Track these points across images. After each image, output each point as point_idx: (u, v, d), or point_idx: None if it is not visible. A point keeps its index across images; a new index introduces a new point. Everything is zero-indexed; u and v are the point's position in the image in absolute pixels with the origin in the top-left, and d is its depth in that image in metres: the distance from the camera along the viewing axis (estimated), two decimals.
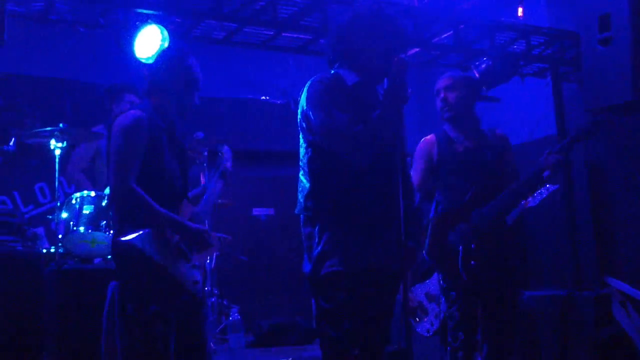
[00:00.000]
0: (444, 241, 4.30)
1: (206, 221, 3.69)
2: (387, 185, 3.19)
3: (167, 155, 3.48)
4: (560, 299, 5.83)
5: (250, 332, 6.49)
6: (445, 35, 6.78)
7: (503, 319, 4.33)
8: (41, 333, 4.80)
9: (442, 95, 4.47)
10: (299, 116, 3.35)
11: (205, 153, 6.65)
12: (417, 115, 8.10)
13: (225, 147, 4.11)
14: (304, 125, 3.30)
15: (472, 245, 4.24)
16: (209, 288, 6.42)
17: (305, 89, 3.33)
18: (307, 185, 3.29)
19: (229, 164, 4.06)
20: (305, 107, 3.28)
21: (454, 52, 7.08)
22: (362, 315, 3.22)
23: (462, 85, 4.48)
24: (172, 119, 3.63)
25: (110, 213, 3.56)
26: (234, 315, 6.09)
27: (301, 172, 3.37)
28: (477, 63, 6.99)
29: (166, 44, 5.60)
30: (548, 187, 5.21)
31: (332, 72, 3.45)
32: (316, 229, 3.26)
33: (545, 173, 4.31)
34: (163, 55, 3.77)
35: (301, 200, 3.33)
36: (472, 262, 4.22)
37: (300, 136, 3.39)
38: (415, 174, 4.51)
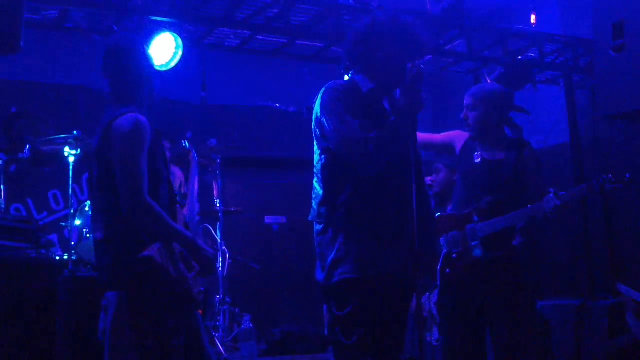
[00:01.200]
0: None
1: (195, 220, 3.63)
2: (401, 193, 3.19)
3: (162, 160, 3.39)
4: (574, 308, 5.81)
5: (263, 340, 6.48)
6: (458, 42, 6.78)
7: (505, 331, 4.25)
8: (54, 340, 4.80)
9: (464, 112, 4.40)
10: (313, 123, 3.35)
11: (218, 160, 6.68)
12: (430, 121, 8.10)
13: (185, 143, 4.02)
14: (318, 132, 3.30)
15: (454, 255, 4.22)
16: (221, 296, 6.43)
17: (319, 96, 3.32)
18: (321, 192, 3.29)
19: (194, 158, 3.96)
20: (319, 114, 3.27)
21: (467, 60, 7.08)
22: (375, 323, 3.20)
23: (482, 104, 4.34)
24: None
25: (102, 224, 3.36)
26: (246, 324, 6.08)
27: (315, 179, 3.36)
28: (489, 70, 6.99)
29: (180, 52, 5.62)
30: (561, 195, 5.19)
31: (347, 78, 3.44)
32: (329, 236, 3.25)
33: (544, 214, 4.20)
34: (144, 55, 3.56)
35: (315, 207, 3.32)
36: (447, 269, 4.20)
37: (315, 143, 3.38)
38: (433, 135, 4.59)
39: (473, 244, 4.20)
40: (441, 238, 4.26)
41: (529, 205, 4.17)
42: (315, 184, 3.34)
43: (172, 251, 3.24)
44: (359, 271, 3.16)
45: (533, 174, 4.33)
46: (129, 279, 3.26)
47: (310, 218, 3.37)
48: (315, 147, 3.38)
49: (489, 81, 6.96)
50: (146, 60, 3.51)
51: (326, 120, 3.22)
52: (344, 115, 3.19)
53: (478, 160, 4.35)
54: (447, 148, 4.57)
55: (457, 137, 4.53)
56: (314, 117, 3.33)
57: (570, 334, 5.77)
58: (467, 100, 4.42)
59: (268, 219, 8.14)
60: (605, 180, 4.26)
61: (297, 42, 6.48)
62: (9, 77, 7.13)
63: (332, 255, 3.22)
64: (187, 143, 4.04)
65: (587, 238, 6.71)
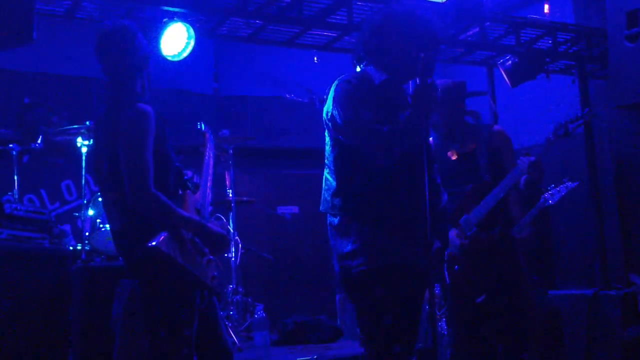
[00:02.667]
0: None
1: (208, 210, 3.62)
2: (414, 184, 3.16)
3: (170, 147, 3.38)
4: (587, 298, 5.79)
5: (275, 330, 6.50)
6: (471, 32, 6.75)
7: (507, 318, 4.32)
8: (67, 329, 4.83)
9: None
10: (325, 114, 3.34)
11: (231, 151, 6.69)
12: None
13: (206, 129, 4.03)
14: (330, 123, 3.29)
15: (457, 250, 4.26)
16: (234, 286, 6.44)
17: (332, 88, 3.32)
18: (334, 183, 3.28)
19: (212, 145, 3.97)
20: (332, 106, 3.27)
21: (479, 49, 7.05)
22: (398, 311, 3.19)
23: (442, 102, 4.33)
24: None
25: (114, 213, 3.36)
26: (259, 313, 6.09)
27: (327, 171, 3.36)
28: (502, 60, 6.96)
29: (192, 43, 5.62)
30: (567, 185, 5.19)
31: (360, 70, 3.44)
32: (343, 228, 3.24)
33: (523, 177, 4.30)
34: (141, 44, 3.49)
35: (327, 198, 3.31)
36: (456, 266, 4.23)
37: (326, 134, 3.38)
38: None
39: (469, 233, 4.27)
40: (463, 247, 4.27)
41: (509, 173, 4.25)
42: (328, 175, 3.34)
43: (181, 238, 3.24)
44: (375, 262, 3.16)
45: (505, 152, 4.44)
46: (142, 269, 3.28)
47: (322, 209, 3.36)
48: (327, 139, 3.37)
49: (502, 71, 6.94)
50: (141, 47, 3.45)
51: (339, 112, 3.21)
52: (357, 108, 3.19)
53: (454, 158, 4.44)
54: None
55: None
56: (326, 109, 3.33)
57: (582, 324, 5.76)
58: None
59: (280, 209, 8.14)
60: (567, 122, 4.32)
61: (309, 32, 6.46)
62: (22, 68, 7.16)
63: (349, 247, 3.21)
64: (202, 125, 4.04)
65: (601, 228, 6.68)
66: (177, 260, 3.18)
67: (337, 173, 3.28)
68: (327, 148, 3.37)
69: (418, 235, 3.16)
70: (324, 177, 3.37)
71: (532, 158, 4.23)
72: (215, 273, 3.44)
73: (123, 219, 3.31)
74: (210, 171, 3.77)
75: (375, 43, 3.37)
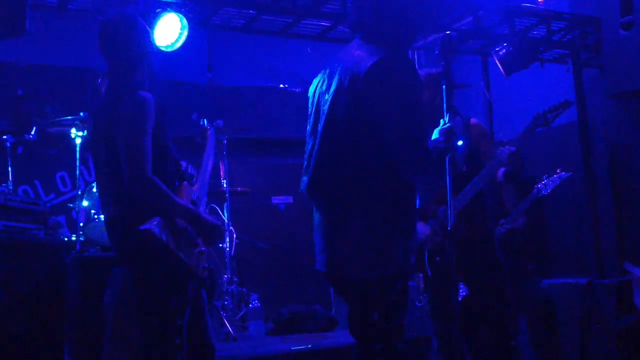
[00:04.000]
0: None
1: (204, 203, 3.65)
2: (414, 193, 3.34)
3: (168, 136, 3.41)
4: (581, 287, 5.80)
5: (270, 319, 6.51)
6: (465, 21, 6.74)
7: (490, 308, 4.38)
8: (62, 320, 4.84)
9: None
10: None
11: (225, 141, 6.69)
12: None
13: (208, 125, 4.07)
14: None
15: (437, 239, 4.30)
16: (229, 276, 6.45)
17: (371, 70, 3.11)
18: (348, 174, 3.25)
19: (212, 140, 4.00)
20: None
21: (473, 38, 7.04)
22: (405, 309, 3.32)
23: (426, 90, 4.38)
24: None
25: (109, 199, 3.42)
26: (254, 303, 6.11)
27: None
28: (496, 49, 6.95)
29: (186, 33, 5.60)
30: (561, 175, 5.20)
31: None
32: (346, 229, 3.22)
33: (501, 170, 4.35)
34: (145, 31, 3.55)
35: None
36: (437, 257, 4.25)
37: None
38: None
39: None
40: (421, 232, 4.26)
41: (488, 164, 4.30)
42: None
43: (174, 226, 3.26)
44: (389, 269, 3.21)
45: (482, 144, 4.51)
46: (135, 256, 3.30)
47: (304, 189, 3.36)
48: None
49: (496, 60, 6.93)
50: (143, 35, 3.48)
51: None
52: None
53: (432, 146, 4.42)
54: None
55: None
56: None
57: (577, 313, 5.77)
58: None
59: (275, 199, 8.14)
60: (546, 112, 4.42)
61: (303, 21, 6.44)
62: (15, 59, 7.14)
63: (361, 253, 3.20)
64: (205, 121, 4.08)
65: (595, 216, 6.69)
66: (169, 247, 3.19)
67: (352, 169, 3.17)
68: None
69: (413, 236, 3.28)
70: (315, 160, 3.25)
71: (513, 148, 4.23)
72: (206, 265, 3.46)
73: (118, 206, 3.32)
74: (210, 166, 3.79)
75: (368, 21, 3.28)
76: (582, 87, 6.97)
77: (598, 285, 5.77)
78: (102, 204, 3.48)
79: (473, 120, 4.61)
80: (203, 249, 3.42)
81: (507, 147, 4.26)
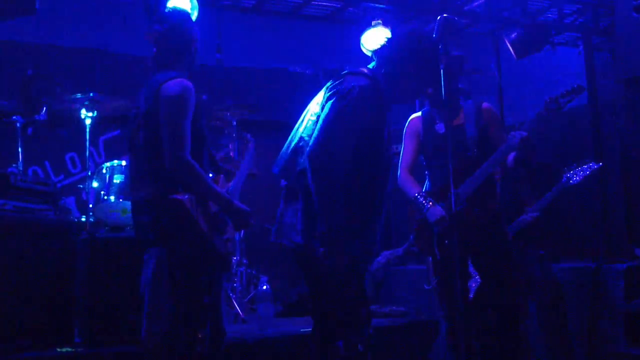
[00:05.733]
0: (425, 221, 4.34)
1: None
2: (381, 178, 3.53)
3: (206, 127, 3.58)
4: (590, 271, 5.79)
5: (279, 301, 6.53)
6: (477, 3, 6.70)
7: (500, 291, 4.40)
8: (73, 301, 4.85)
9: None
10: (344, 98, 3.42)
11: (234, 123, 6.67)
12: None
13: (248, 135, 4.24)
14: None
15: (446, 225, 4.26)
16: (238, 257, 6.46)
17: (353, 86, 3.41)
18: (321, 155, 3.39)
19: (252, 151, 4.36)
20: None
21: (485, 21, 7.00)
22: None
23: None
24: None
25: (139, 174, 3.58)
26: (263, 285, 6.11)
27: (301, 144, 3.51)
28: (508, 32, 6.91)
29: (195, 13, 5.59)
30: (591, 166, 5.15)
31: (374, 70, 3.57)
32: (308, 208, 3.41)
33: (511, 155, 4.34)
34: (189, 23, 3.77)
35: (295, 173, 3.50)
36: (446, 241, 4.24)
37: (316, 111, 3.51)
38: (405, 152, 4.63)
39: (459, 208, 4.25)
40: (432, 214, 4.29)
41: (498, 148, 4.27)
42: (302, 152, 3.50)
43: (206, 209, 3.41)
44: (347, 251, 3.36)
45: (493, 129, 4.49)
46: (169, 236, 3.41)
47: (276, 172, 3.65)
48: (315, 118, 3.51)
49: (507, 43, 6.89)
50: (191, 30, 3.69)
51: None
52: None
53: (442, 131, 4.46)
54: (420, 141, 4.64)
55: (414, 127, 4.65)
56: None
57: (585, 297, 5.77)
58: None
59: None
60: (558, 97, 4.35)
61: (313, 2, 6.42)
62: (24, 39, 7.13)
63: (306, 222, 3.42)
64: (248, 135, 4.32)
65: (605, 201, 6.67)
66: (198, 222, 3.33)
67: (329, 156, 3.35)
68: (310, 124, 3.51)
69: (372, 227, 3.50)
70: (294, 146, 3.54)
71: (524, 133, 4.21)
72: (231, 251, 3.62)
73: (153, 188, 3.44)
74: (245, 174, 4.11)
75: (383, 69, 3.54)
76: (594, 71, 6.94)
77: (607, 270, 5.75)
78: (132, 187, 3.64)
79: (485, 105, 4.59)
80: (230, 236, 3.58)
81: (518, 132, 4.23)
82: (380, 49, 3.59)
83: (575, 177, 5.20)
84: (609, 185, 6.79)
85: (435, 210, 4.27)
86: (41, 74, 6.54)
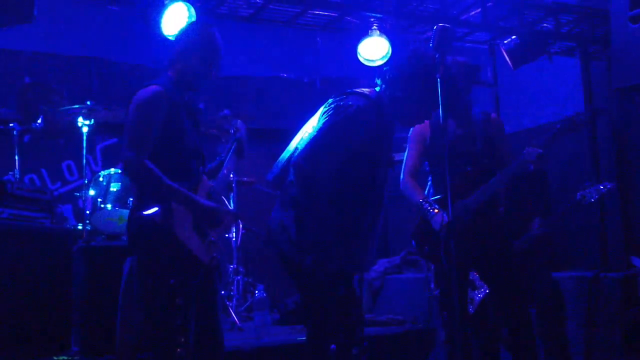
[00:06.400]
0: (428, 228, 4.28)
1: (222, 196, 3.72)
2: (375, 200, 3.53)
3: (187, 131, 3.52)
4: (588, 280, 5.80)
5: (276, 310, 6.52)
6: (474, 12, 6.72)
7: (509, 303, 4.39)
8: (69, 308, 4.85)
9: None
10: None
11: (232, 131, 6.67)
12: None
13: (239, 122, 4.16)
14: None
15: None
16: (235, 266, 6.45)
17: (349, 103, 3.45)
18: (307, 172, 3.42)
19: (243, 138, 4.08)
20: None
21: (482, 30, 7.02)
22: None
23: (452, 78, 4.31)
24: (192, 92, 3.66)
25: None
26: (260, 293, 6.11)
27: (301, 154, 3.47)
28: (504, 41, 6.92)
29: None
30: (606, 185, 5.15)
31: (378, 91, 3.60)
32: (296, 214, 3.43)
33: (530, 167, 4.30)
34: (188, 27, 3.78)
35: (287, 181, 3.52)
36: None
37: (315, 125, 3.51)
38: (409, 157, 4.59)
39: (467, 218, 4.28)
40: (434, 223, 4.25)
41: (512, 163, 4.27)
42: (301, 161, 3.47)
43: (185, 215, 3.36)
44: (330, 265, 3.39)
45: (500, 141, 4.48)
46: (137, 241, 3.43)
47: (270, 179, 3.66)
48: (321, 121, 3.51)
49: (504, 52, 6.91)
50: (185, 40, 3.64)
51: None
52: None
53: (451, 137, 4.41)
54: (426, 146, 4.60)
55: (421, 132, 4.59)
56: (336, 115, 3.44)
57: (583, 306, 5.77)
58: None
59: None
60: (573, 117, 4.39)
61: (310, 11, 6.43)
62: (22, 47, 7.13)
63: (304, 242, 3.41)
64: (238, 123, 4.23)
65: (602, 210, 6.68)
66: (172, 231, 3.30)
67: (312, 167, 3.39)
68: (317, 126, 3.49)
69: (367, 246, 3.53)
70: (288, 157, 3.57)
71: (540, 150, 4.20)
72: (215, 254, 3.54)
73: (135, 197, 3.53)
74: (232, 166, 3.94)
75: (389, 92, 3.55)
76: (590, 80, 6.96)
77: (604, 279, 5.76)
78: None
79: (493, 115, 4.61)
80: (213, 239, 3.50)
81: (534, 148, 4.22)
82: (383, 72, 3.59)
83: (590, 197, 5.19)
84: (606, 194, 6.78)
85: (439, 217, 4.26)
86: (38, 82, 6.55)
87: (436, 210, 4.25)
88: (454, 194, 4.30)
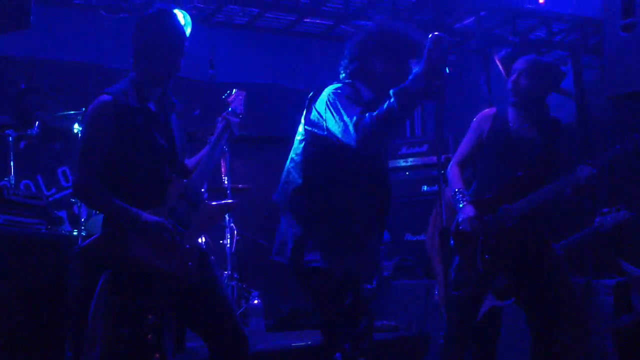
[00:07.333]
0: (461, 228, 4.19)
1: (200, 194, 3.56)
2: (373, 193, 3.40)
3: (146, 135, 3.35)
4: (580, 287, 5.82)
5: (271, 316, 6.53)
6: (468, 21, 6.77)
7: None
8: (63, 315, 4.85)
9: (514, 77, 4.32)
10: (313, 116, 3.37)
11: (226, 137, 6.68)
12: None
13: (236, 91, 4.01)
14: (320, 125, 3.32)
15: (493, 240, 4.16)
16: (230, 272, 6.46)
17: (325, 95, 3.34)
18: (299, 180, 3.37)
19: (237, 107, 3.92)
20: (325, 112, 3.29)
21: (475, 39, 7.07)
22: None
23: (537, 73, 4.28)
24: (159, 91, 3.48)
25: None
26: (255, 300, 6.12)
27: (292, 164, 3.44)
28: (498, 49, 6.98)
29: (189, 29, 5.62)
30: (624, 213, 5.12)
31: (349, 81, 3.46)
32: (300, 225, 3.36)
33: (581, 181, 4.15)
34: (143, 21, 3.51)
35: (288, 192, 3.42)
36: (487, 255, 4.15)
37: (302, 130, 3.45)
38: (463, 144, 4.45)
39: (509, 225, 4.16)
40: (472, 224, 4.15)
41: (562, 176, 4.15)
42: (292, 170, 3.44)
43: (146, 231, 3.24)
44: (328, 264, 3.31)
45: (564, 153, 4.33)
46: (104, 264, 3.34)
47: (276, 199, 3.49)
48: (300, 135, 3.46)
49: (497, 61, 6.95)
50: (150, 31, 3.43)
51: (334, 120, 3.23)
52: (351, 107, 3.21)
53: (513, 135, 4.28)
54: (482, 137, 4.42)
55: (484, 118, 4.44)
56: (316, 114, 3.35)
57: (575, 312, 5.79)
58: (521, 65, 4.34)
59: (275, 196, 8.14)
60: (638, 138, 4.18)
61: (305, 20, 6.47)
62: (18, 54, 7.14)
63: (302, 244, 3.35)
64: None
65: (594, 216, 6.70)
66: (126, 249, 3.20)
67: (304, 170, 3.37)
68: (298, 143, 3.45)
69: (372, 248, 3.42)
70: (286, 169, 3.48)
71: (594, 170, 4.10)
72: (190, 263, 3.37)
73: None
74: (217, 154, 3.65)
75: (356, 66, 3.44)
76: (583, 88, 7.00)
77: (596, 285, 5.79)
78: None
79: (564, 122, 4.51)
80: (187, 246, 3.37)
81: (588, 167, 4.10)
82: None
83: (607, 224, 5.19)
84: (598, 200, 6.83)
85: (467, 210, 4.15)
86: (34, 88, 6.55)
87: (465, 202, 4.16)
88: (501, 197, 4.19)
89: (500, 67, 6.91)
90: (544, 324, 4.24)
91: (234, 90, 3.92)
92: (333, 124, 3.21)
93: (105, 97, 3.32)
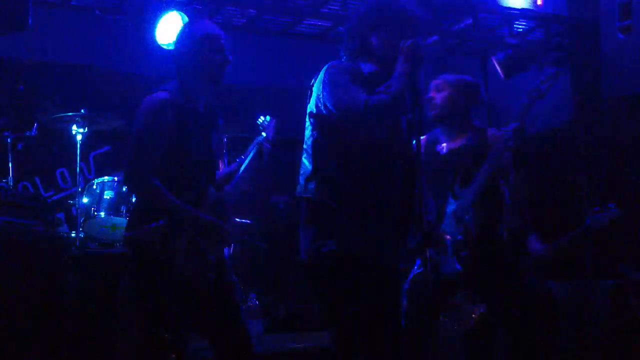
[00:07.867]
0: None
1: (232, 205, 3.62)
2: (390, 173, 3.26)
3: (194, 139, 3.40)
4: (577, 289, 5.83)
5: (268, 318, 6.53)
6: (465, 23, 6.78)
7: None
8: (62, 316, 4.85)
9: (430, 95, 4.29)
10: (311, 100, 3.35)
11: (225, 140, 6.70)
12: None
13: (269, 118, 4.06)
14: (319, 106, 3.28)
15: (459, 237, 4.03)
16: None
17: (322, 73, 3.32)
18: (309, 167, 3.31)
19: (269, 134, 4.00)
20: (321, 89, 3.26)
21: (473, 41, 7.08)
22: (365, 302, 3.19)
23: (451, 87, 4.27)
24: (202, 98, 3.52)
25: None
26: (252, 302, 6.12)
27: (304, 155, 3.38)
28: (496, 52, 6.98)
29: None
30: (614, 212, 5.13)
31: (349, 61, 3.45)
32: (315, 211, 3.25)
33: (508, 156, 4.13)
34: (183, 32, 3.62)
35: (302, 182, 3.34)
36: (463, 252, 4.03)
37: (307, 120, 3.39)
38: None
39: (467, 217, 4.05)
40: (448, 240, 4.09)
41: (588, 220, 4.17)
42: (304, 160, 3.36)
43: (181, 232, 3.26)
44: (346, 246, 3.17)
45: (491, 157, 4.12)
46: (135, 264, 3.36)
47: (297, 193, 3.38)
48: (307, 124, 3.39)
49: (495, 63, 6.96)
50: (184, 42, 3.51)
51: (329, 93, 3.21)
52: (349, 86, 3.18)
53: (444, 152, 4.26)
54: None
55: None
56: (314, 96, 3.33)
57: (573, 314, 5.80)
58: (434, 83, 4.33)
59: (274, 198, 8.15)
60: (538, 85, 4.24)
61: (303, 21, 6.48)
62: (16, 55, 7.14)
63: (316, 229, 3.23)
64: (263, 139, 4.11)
65: (584, 215, 6.71)
66: (165, 251, 3.20)
67: (313, 157, 3.30)
68: (307, 132, 3.39)
69: (391, 223, 3.23)
70: (301, 161, 3.40)
71: (517, 123, 4.11)
72: (210, 273, 3.38)
73: (131, 215, 3.52)
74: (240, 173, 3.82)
75: (358, 42, 3.41)
76: (580, 90, 7.01)
77: (594, 287, 5.80)
78: None
79: (491, 132, 4.40)
80: (211, 257, 3.39)
81: (511, 124, 4.11)
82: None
83: (598, 222, 5.18)
84: (596, 203, 6.83)
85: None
86: (32, 90, 6.55)
87: None
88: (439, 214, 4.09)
89: (498, 69, 6.91)
90: (511, 327, 4.27)
91: (268, 117, 3.98)
92: (329, 99, 3.20)
93: (162, 94, 3.35)
